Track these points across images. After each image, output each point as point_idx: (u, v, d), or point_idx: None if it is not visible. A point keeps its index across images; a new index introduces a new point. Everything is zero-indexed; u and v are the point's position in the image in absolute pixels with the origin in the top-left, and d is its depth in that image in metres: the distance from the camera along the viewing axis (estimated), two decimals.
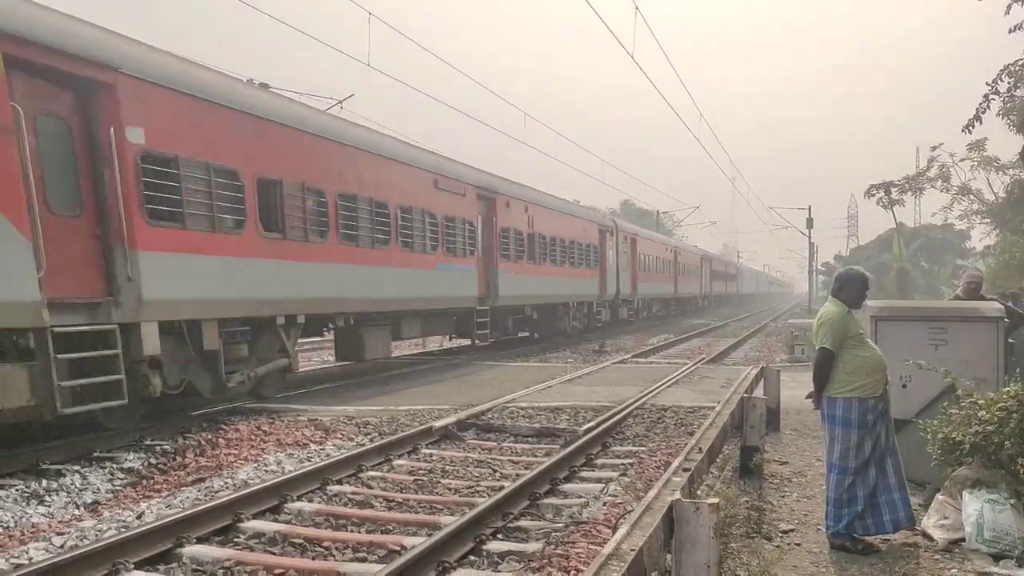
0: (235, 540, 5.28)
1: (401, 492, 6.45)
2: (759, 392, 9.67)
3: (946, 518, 5.26)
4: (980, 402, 5.36)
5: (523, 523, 5.56)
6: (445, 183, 15.83)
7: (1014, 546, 4.84)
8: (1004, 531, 4.89)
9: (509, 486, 6.00)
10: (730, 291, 63.78)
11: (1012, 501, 4.99)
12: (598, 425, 8.52)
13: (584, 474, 7.00)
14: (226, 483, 6.78)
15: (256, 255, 10.17)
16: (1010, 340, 7.29)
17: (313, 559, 4.92)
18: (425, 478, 6.85)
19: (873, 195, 36.18)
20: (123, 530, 5.25)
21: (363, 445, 7.94)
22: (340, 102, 16.85)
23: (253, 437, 8.38)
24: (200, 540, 5.15)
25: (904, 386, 6.36)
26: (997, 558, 4.86)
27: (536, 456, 7.73)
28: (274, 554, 5.01)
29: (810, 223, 46.53)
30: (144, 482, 6.95)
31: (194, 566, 4.77)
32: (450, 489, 6.54)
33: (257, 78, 11.54)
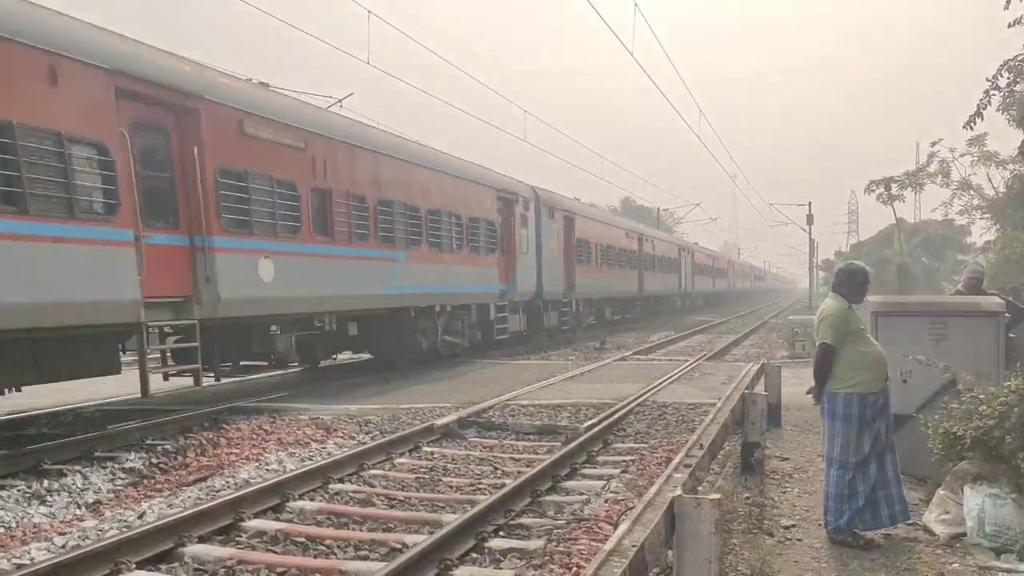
0: (237, 539, 5.28)
1: (403, 490, 6.45)
2: (760, 388, 9.67)
3: (947, 513, 5.26)
4: (981, 397, 5.36)
5: (525, 520, 5.55)
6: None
7: (1015, 540, 4.85)
8: (1005, 525, 4.90)
9: (511, 483, 6.00)
10: (762, 287, 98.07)
11: (1013, 495, 4.99)
12: (599, 422, 8.52)
13: (586, 471, 7.01)
14: (227, 482, 6.78)
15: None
16: (1011, 335, 7.29)
17: (315, 557, 4.93)
18: (427, 476, 6.85)
19: (873, 191, 36.20)
20: (125, 530, 5.25)
21: (364, 444, 7.95)
22: (340, 100, 16.83)
23: (254, 436, 8.38)
24: (202, 539, 5.15)
25: (905, 381, 6.36)
26: (998, 552, 4.86)
27: (538, 454, 7.74)
28: (276, 553, 5.02)
29: (810, 219, 46.59)
30: (145, 482, 6.95)
31: (196, 565, 4.77)
32: (452, 487, 6.54)
33: (256, 76, 11.52)
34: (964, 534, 5.09)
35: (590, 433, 7.96)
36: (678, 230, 65.92)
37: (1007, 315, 6.87)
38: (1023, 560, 4.73)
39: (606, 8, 14.32)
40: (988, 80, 11.00)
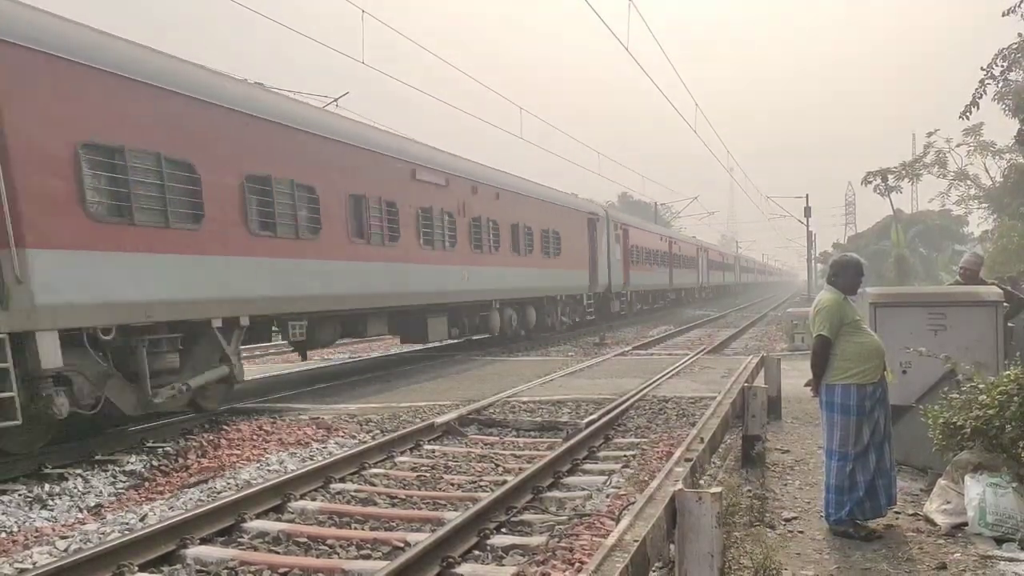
0: (239, 540, 5.28)
1: (404, 489, 6.45)
2: (760, 381, 9.67)
3: (948, 503, 5.27)
4: (980, 386, 5.36)
5: (527, 517, 5.56)
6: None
7: (1016, 529, 4.85)
8: (1007, 515, 4.90)
9: (512, 480, 6.00)
10: (763, 280, 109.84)
11: (1014, 485, 4.99)
12: (600, 418, 8.52)
13: (587, 467, 7.01)
14: (229, 483, 6.79)
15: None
16: (1009, 324, 7.29)
17: (317, 557, 4.93)
18: (428, 474, 6.86)
19: (870, 182, 36.21)
20: (126, 532, 5.26)
21: (365, 443, 7.95)
22: (335, 100, 16.82)
23: (255, 437, 8.39)
24: (204, 541, 5.16)
25: (904, 372, 6.36)
26: (1000, 542, 4.87)
27: (539, 450, 7.74)
28: (278, 553, 5.02)
29: (808, 212, 46.52)
30: (147, 484, 6.96)
31: (198, 567, 4.78)
32: (453, 485, 6.54)
33: (251, 77, 11.51)
34: (965, 524, 5.09)
35: (591, 429, 7.96)
36: (675, 224, 65.94)
37: (1006, 304, 6.87)
38: None
39: (601, 3, 14.27)
40: (983, 69, 11.03)
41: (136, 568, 4.64)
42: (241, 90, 10.16)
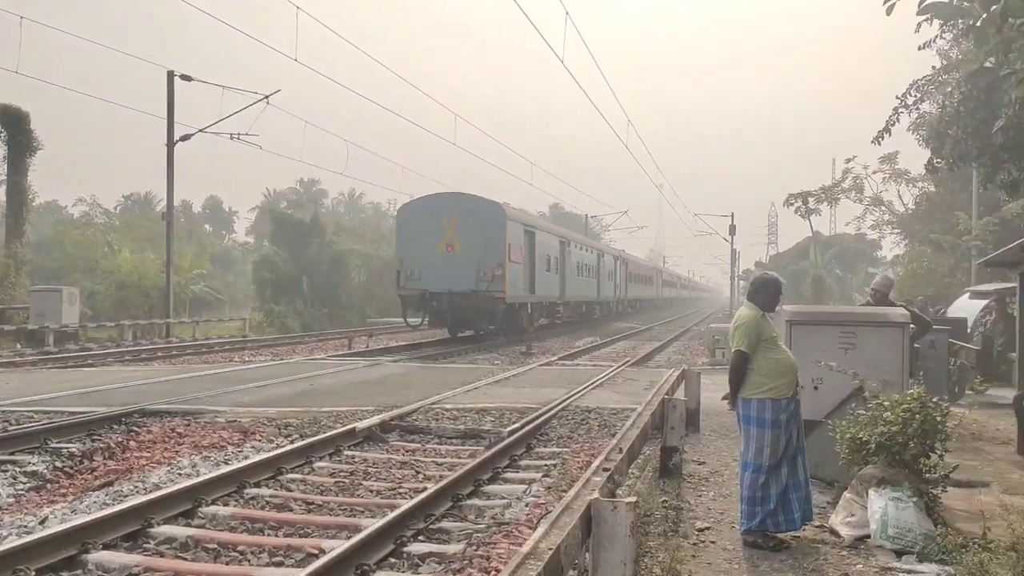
0: (144, 546, 5.08)
1: (321, 494, 6.33)
2: (680, 394, 9.87)
3: (852, 515, 5.47)
4: (885, 404, 5.60)
5: (445, 524, 5.53)
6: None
7: (916, 542, 5.07)
8: (907, 528, 5.12)
9: (432, 487, 5.96)
10: (694, 295, 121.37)
11: (914, 499, 5.22)
12: (523, 427, 8.55)
13: (508, 475, 7.01)
14: (136, 487, 6.53)
15: None
16: (915, 345, 7.64)
17: (227, 564, 4.79)
18: (347, 480, 6.75)
19: (792, 204, 37.57)
20: (24, 536, 5.00)
21: (283, 447, 7.77)
22: (266, 97, 16.54)
23: (167, 439, 8.11)
24: (107, 546, 4.94)
25: (816, 388, 6.59)
26: (900, 554, 5.08)
27: (460, 458, 7.71)
28: (185, 560, 4.86)
29: (732, 230, 47.90)
30: (49, 486, 6.64)
31: (100, 572, 4.59)
32: (372, 491, 6.46)
33: (178, 70, 11.20)
34: (868, 536, 5.29)
35: (513, 437, 7.98)
36: (605, 237, 66.97)
37: (912, 326, 7.19)
38: (923, 561, 4.95)
39: (538, 16, 14.44)
40: (898, 98, 11.55)
41: (34, 573, 4.41)
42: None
